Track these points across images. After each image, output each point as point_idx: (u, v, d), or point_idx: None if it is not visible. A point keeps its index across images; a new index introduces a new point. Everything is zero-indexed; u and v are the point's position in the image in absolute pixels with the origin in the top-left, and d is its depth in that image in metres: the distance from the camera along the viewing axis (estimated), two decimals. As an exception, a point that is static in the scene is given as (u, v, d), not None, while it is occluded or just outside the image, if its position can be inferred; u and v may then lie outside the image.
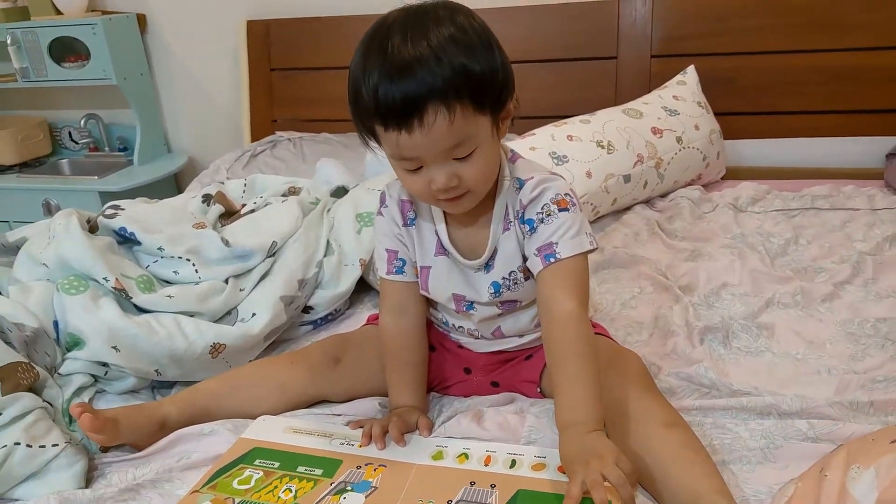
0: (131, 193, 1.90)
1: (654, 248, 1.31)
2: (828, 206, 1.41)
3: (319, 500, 0.68)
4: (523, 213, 0.76)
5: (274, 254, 1.11)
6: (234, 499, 0.68)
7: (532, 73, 1.84)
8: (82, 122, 2.30)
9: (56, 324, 0.92)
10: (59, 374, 0.89)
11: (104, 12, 2.19)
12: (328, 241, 1.17)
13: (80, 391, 0.89)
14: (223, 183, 1.41)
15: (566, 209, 0.74)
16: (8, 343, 0.84)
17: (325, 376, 0.87)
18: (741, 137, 1.71)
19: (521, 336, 0.86)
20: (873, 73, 1.63)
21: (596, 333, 0.80)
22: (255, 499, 0.68)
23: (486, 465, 0.72)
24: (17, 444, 0.72)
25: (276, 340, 1.06)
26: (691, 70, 1.67)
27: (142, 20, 2.21)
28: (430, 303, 0.87)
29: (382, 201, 0.84)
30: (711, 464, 0.67)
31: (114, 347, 0.89)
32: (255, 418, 0.83)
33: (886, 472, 0.58)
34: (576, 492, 0.60)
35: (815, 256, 1.21)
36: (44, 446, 0.73)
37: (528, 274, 0.79)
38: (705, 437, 0.75)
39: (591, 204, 1.39)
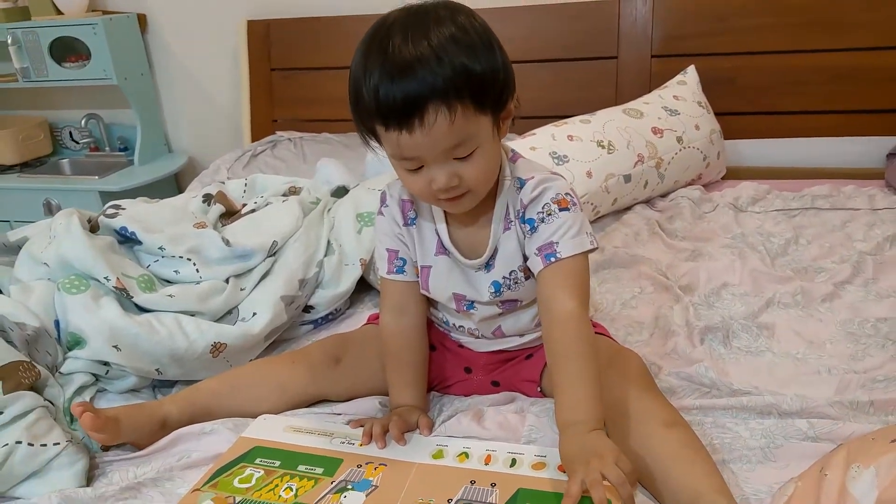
0: (132, 193, 1.90)
1: (655, 247, 1.31)
2: (828, 206, 1.41)
3: (320, 499, 0.68)
4: (524, 212, 0.76)
5: (274, 253, 1.12)
6: (234, 497, 0.68)
7: (532, 73, 1.84)
8: (83, 121, 2.30)
9: (57, 323, 0.92)
10: (60, 373, 0.89)
11: (104, 12, 2.19)
12: (329, 241, 1.17)
13: (81, 390, 0.89)
14: (224, 183, 1.42)
15: (567, 209, 0.74)
16: (9, 342, 0.84)
17: (325, 376, 0.87)
18: (741, 137, 1.72)
19: (521, 335, 0.86)
20: (874, 73, 1.63)
21: (596, 333, 0.80)
22: (256, 497, 0.68)
23: (486, 464, 0.72)
24: (19, 442, 0.72)
25: (276, 340, 1.06)
26: (692, 70, 1.67)
27: (142, 20, 2.21)
28: (430, 302, 0.87)
29: (383, 201, 0.84)
30: (712, 463, 0.67)
31: (115, 347, 0.89)
32: (255, 417, 0.83)
33: (886, 472, 0.58)
34: (575, 490, 0.60)
35: (815, 256, 1.21)
36: (45, 445, 0.73)
37: (528, 273, 0.79)
38: (705, 437, 0.75)
39: (592, 204, 1.40)
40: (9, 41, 2.06)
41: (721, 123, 1.61)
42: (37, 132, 2.37)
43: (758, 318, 1.02)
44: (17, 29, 2.06)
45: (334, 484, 0.70)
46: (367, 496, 0.68)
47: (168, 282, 1.05)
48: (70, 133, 2.45)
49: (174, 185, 2.32)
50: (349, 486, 0.69)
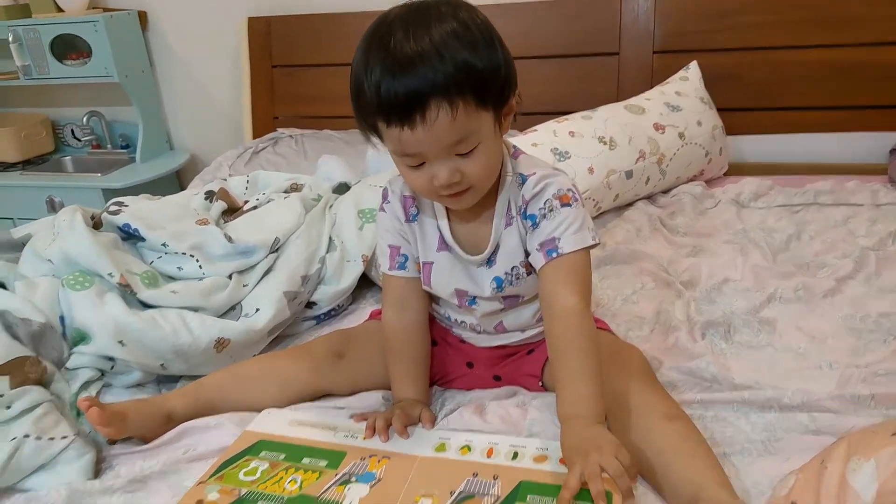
0: (134, 190, 1.90)
1: (656, 243, 1.31)
2: (831, 202, 1.41)
3: (325, 491, 0.68)
4: (525, 208, 0.76)
5: (277, 250, 1.12)
6: (240, 489, 0.69)
7: (534, 69, 1.84)
8: (84, 119, 2.30)
9: (62, 319, 0.93)
10: (66, 368, 0.90)
11: (105, 9, 2.19)
12: (330, 238, 1.18)
13: (87, 385, 0.90)
14: (226, 180, 1.42)
15: (568, 204, 0.74)
16: (15, 338, 0.85)
17: (328, 370, 0.88)
18: (744, 133, 1.71)
19: (522, 331, 0.86)
20: (877, 69, 1.63)
21: (598, 328, 0.80)
22: (261, 489, 0.69)
23: (488, 456, 0.72)
24: (27, 436, 0.73)
25: (279, 335, 1.07)
26: (694, 66, 1.67)
27: (143, 17, 2.21)
28: (432, 298, 0.88)
29: (385, 197, 0.84)
30: (712, 456, 0.68)
31: (120, 342, 0.89)
32: (259, 411, 0.83)
33: (887, 464, 0.58)
34: (573, 482, 0.60)
35: (817, 251, 1.22)
36: (53, 439, 0.74)
37: (530, 269, 0.79)
38: (706, 431, 0.75)
39: (593, 200, 1.40)
40: (10, 39, 2.06)
41: (723, 119, 1.61)
42: (39, 130, 2.37)
43: (759, 313, 1.02)
44: (19, 26, 2.07)
45: (338, 476, 0.71)
46: (370, 488, 0.69)
47: (171, 278, 1.05)
48: (72, 130, 2.46)
49: (176, 182, 2.33)
50: (353, 479, 0.70)
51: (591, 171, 1.38)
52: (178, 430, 0.80)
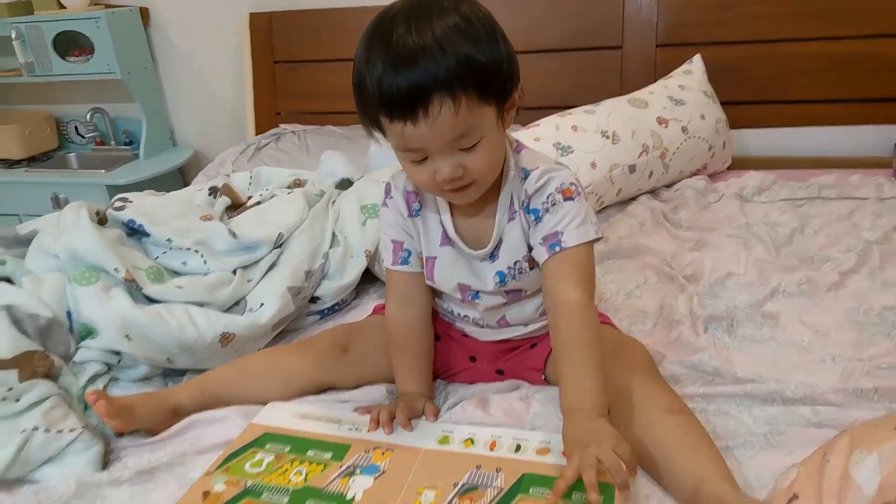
0: (138, 187, 1.91)
1: (659, 238, 1.31)
2: (835, 196, 1.41)
3: (329, 483, 0.69)
4: (528, 202, 0.76)
5: (280, 245, 1.13)
6: (246, 481, 0.70)
7: (536, 64, 1.83)
8: (88, 116, 2.31)
9: (69, 314, 0.94)
10: (73, 362, 0.90)
11: (107, 6, 2.19)
12: (333, 233, 1.18)
13: (94, 379, 0.90)
14: (229, 175, 1.42)
15: (571, 198, 0.75)
16: (23, 332, 0.86)
17: (333, 364, 0.88)
18: (748, 127, 1.71)
19: (525, 325, 0.87)
20: (881, 61, 1.62)
21: (600, 322, 0.81)
22: (266, 481, 0.70)
23: (491, 449, 0.73)
24: (36, 429, 0.74)
25: (283, 330, 1.07)
26: (697, 59, 1.67)
27: (144, 13, 2.21)
28: (435, 292, 0.88)
29: (388, 192, 0.84)
30: (715, 450, 0.68)
31: (126, 337, 0.90)
32: (264, 405, 0.84)
33: (889, 458, 0.58)
34: (569, 473, 0.61)
35: (821, 245, 1.21)
36: (61, 431, 0.75)
37: (533, 263, 0.79)
38: (708, 424, 0.76)
39: (596, 194, 1.40)
40: (12, 35, 2.07)
41: (727, 113, 1.61)
42: (42, 127, 2.38)
43: (762, 307, 1.02)
44: (21, 23, 2.07)
45: (343, 468, 0.71)
46: (374, 480, 0.69)
47: (176, 273, 1.06)
48: (76, 127, 2.46)
49: (179, 178, 2.33)
50: (357, 471, 0.71)
51: (593, 165, 1.38)
52: (185, 422, 0.81)
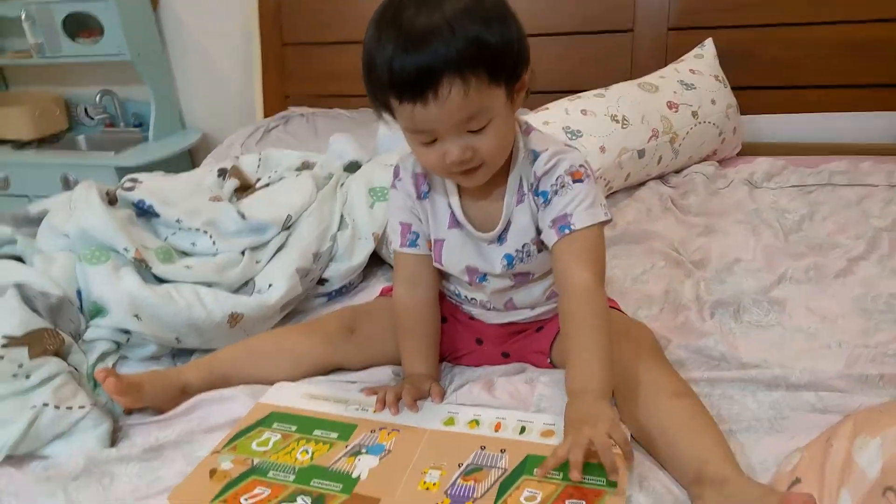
0: (147, 169, 1.90)
1: (667, 223, 1.30)
2: (845, 182, 1.40)
3: (335, 462, 0.70)
4: (537, 185, 0.76)
5: (289, 227, 1.13)
6: (253, 459, 0.71)
7: (546, 47, 1.81)
8: (97, 98, 2.31)
9: (79, 292, 0.95)
10: (83, 340, 0.92)
11: (117, -13, 2.19)
12: (342, 215, 1.18)
13: (103, 357, 0.91)
14: (238, 157, 1.43)
15: (580, 180, 0.74)
16: (34, 310, 0.87)
17: (340, 345, 0.89)
18: (758, 112, 1.69)
19: (532, 308, 0.87)
20: (894, 46, 1.59)
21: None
22: (273, 460, 0.71)
23: (496, 431, 0.73)
24: (46, 405, 0.75)
25: (291, 312, 1.08)
26: (709, 43, 1.65)
27: (154, -5, 2.21)
28: (442, 275, 0.88)
29: (396, 174, 0.84)
30: (719, 433, 0.68)
31: (135, 316, 0.91)
32: (272, 385, 0.85)
33: (893, 443, 0.58)
34: (561, 452, 0.61)
35: (830, 232, 1.21)
36: (71, 408, 0.76)
37: (541, 246, 0.79)
38: (713, 408, 0.76)
39: (605, 179, 1.39)
40: (22, 17, 2.07)
41: (738, 98, 1.59)
42: (52, 108, 2.39)
43: (769, 294, 1.01)
44: (31, 4, 2.07)
45: (349, 448, 0.72)
46: (380, 460, 0.70)
47: (185, 254, 1.07)
48: (85, 109, 2.47)
49: (188, 160, 2.34)
50: (363, 450, 0.72)
51: (602, 149, 1.37)
52: (193, 401, 0.82)
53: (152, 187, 1.13)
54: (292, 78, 2.13)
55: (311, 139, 1.83)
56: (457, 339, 0.90)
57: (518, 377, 0.84)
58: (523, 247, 0.79)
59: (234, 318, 0.96)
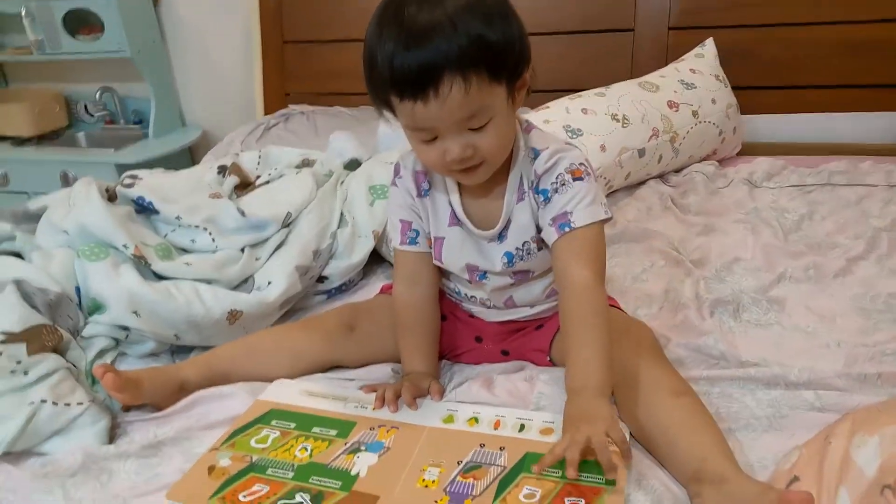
0: (147, 166, 1.90)
1: (667, 222, 1.31)
2: (844, 182, 1.40)
3: (334, 459, 0.70)
4: (538, 183, 0.76)
5: (289, 224, 1.13)
6: (251, 456, 0.71)
7: (547, 46, 1.81)
8: (97, 95, 2.31)
9: (78, 289, 0.94)
10: (81, 336, 0.91)
11: (117, -17, 2.18)
12: (342, 213, 1.18)
13: (102, 353, 0.91)
14: (238, 155, 1.43)
15: (581, 178, 0.74)
16: (33, 306, 0.87)
17: (339, 343, 0.89)
18: (759, 112, 1.69)
19: (532, 306, 0.87)
20: (894, 47, 1.59)
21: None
22: (272, 457, 0.71)
23: (495, 428, 0.73)
24: (44, 401, 0.75)
25: (290, 309, 1.08)
26: (710, 43, 1.65)
27: (155, -8, 2.21)
28: (442, 273, 0.88)
29: (397, 172, 0.84)
30: (718, 432, 0.68)
31: (134, 312, 0.91)
32: (271, 382, 0.85)
33: (890, 441, 0.59)
34: (558, 450, 0.62)
35: (829, 232, 1.21)
36: (69, 405, 0.76)
37: (541, 244, 0.79)
38: (712, 406, 0.76)
39: (605, 178, 1.39)
40: (23, 13, 2.06)
41: (738, 98, 1.59)
42: (52, 105, 2.39)
43: (769, 292, 1.02)
44: (32, 0, 2.07)
45: (348, 445, 0.72)
46: (379, 457, 0.70)
47: (185, 250, 1.07)
48: (85, 106, 2.47)
49: (188, 158, 2.34)
50: (362, 448, 0.72)
51: (602, 148, 1.37)
52: (192, 398, 0.81)
53: (152, 184, 1.13)
54: (293, 75, 2.13)
55: (312, 137, 1.83)
56: (456, 336, 0.90)
57: (517, 375, 0.84)
58: (523, 245, 0.79)
59: (234, 316, 0.96)
